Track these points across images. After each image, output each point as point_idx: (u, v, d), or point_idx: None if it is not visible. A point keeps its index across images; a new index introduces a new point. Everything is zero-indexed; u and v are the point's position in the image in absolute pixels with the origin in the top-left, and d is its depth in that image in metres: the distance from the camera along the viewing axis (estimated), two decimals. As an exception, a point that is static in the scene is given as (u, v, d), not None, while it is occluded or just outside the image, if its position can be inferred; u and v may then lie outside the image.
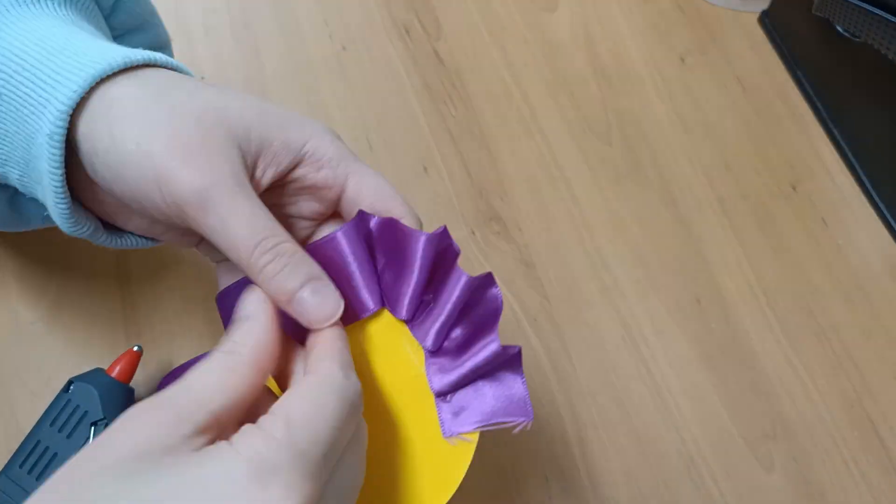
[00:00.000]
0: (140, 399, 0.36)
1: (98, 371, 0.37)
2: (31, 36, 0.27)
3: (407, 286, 0.28)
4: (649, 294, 0.43)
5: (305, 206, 0.31)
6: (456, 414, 0.28)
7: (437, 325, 0.27)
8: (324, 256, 0.28)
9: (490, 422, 0.27)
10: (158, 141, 0.25)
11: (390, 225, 0.28)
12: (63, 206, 0.28)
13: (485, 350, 0.27)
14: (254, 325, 0.26)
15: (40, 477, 0.34)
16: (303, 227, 0.31)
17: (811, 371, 0.41)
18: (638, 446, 0.39)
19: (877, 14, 0.40)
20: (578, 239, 0.45)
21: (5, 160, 0.28)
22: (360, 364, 0.28)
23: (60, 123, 0.26)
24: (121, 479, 0.21)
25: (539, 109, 0.49)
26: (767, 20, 0.52)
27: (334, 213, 0.31)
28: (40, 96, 0.26)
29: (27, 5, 0.28)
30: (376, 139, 0.48)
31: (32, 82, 0.26)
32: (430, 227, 0.44)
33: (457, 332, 0.28)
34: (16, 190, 0.31)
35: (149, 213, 0.27)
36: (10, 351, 0.42)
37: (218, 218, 0.26)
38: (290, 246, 0.26)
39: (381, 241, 0.29)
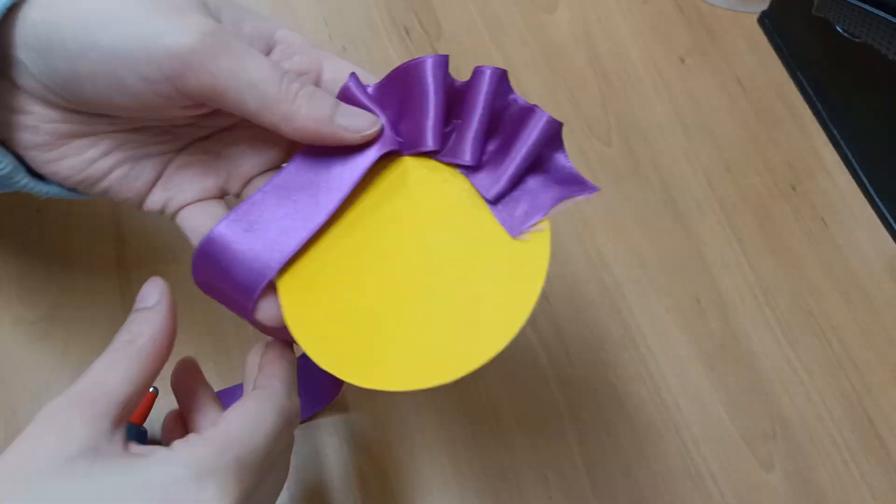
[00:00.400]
0: (153, 441, 0.37)
1: None
2: None
3: (426, 117, 0.26)
4: (649, 294, 0.43)
5: None
6: (517, 213, 0.26)
7: (469, 141, 0.26)
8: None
9: (555, 206, 0.26)
10: (141, 6, 0.23)
11: (402, 71, 0.27)
12: None
13: (526, 143, 0.26)
14: (154, 315, 0.27)
15: None
16: None
17: (811, 371, 0.41)
18: (638, 446, 0.39)
19: (877, 14, 0.40)
20: (578, 239, 0.45)
21: None
22: (403, 207, 0.27)
23: None
24: (57, 483, 0.22)
25: (539, 110, 0.49)
26: (767, 21, 0.52)
27: None
28: None
29: None
30: (376, 139, 0.48)
31: None
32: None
33: (492, 145, 0.27)
34: None
35: (121, 104, 0.25)
36: (10, 351, 0.42)
37: (234, 58, 0.24)
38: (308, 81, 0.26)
39: (396, 88, 0.28)
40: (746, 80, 0.50)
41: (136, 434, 0.36)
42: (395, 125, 0.27)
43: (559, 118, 0.50)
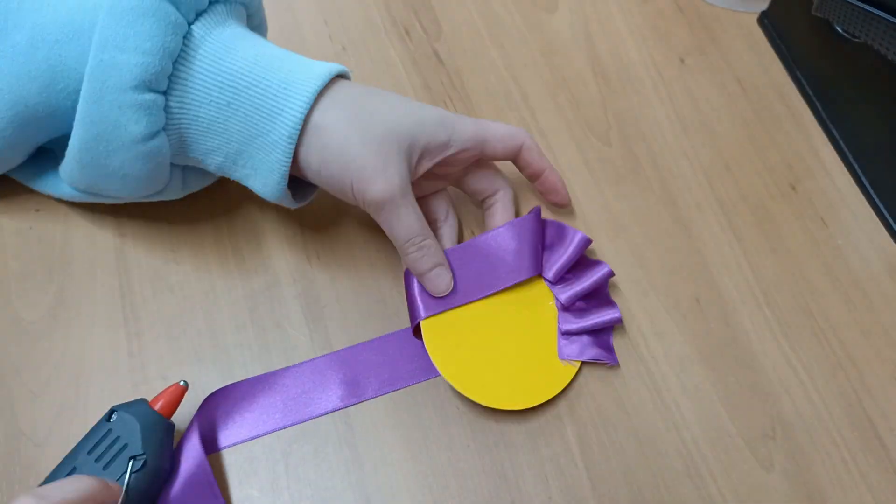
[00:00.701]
0: (179, 434, 0.38)
1: (141, 402, 0.37)
2: (253, 59, 0.37)
3: (558, 261, 0.42)
4: (649, 294, 0.43)
5: (455, 168, 0.42)
6: (569, 347, 0.41)
7: (571, 292, 0.41)
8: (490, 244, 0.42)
9: (588, 358, 0.41)
10: (356, 165, 0.37)
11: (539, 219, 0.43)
12: (283, 184, 0.38)
13: (601, 317, 0.41)
14: (74, 484, 0.31)
15: None
16: (447, 180, 0.43)
17: (810, 371, 0.41)
18: (637, 446, 0.39)
19: (877, 14, 0.40)
20: (578, 239, 0.45)
21: (212, 150, 0.38)
22: (512, 308, 0.41)
23: (296, 129, 0.36)
24: None
25: (539, 110, 0.49)
26: (767, 21, 0.52)
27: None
28: (272, 107, 0.36)
29: (224, 26, 0.37)
30: (376, 139, 0.48)
31: (265, 96, 0.36)
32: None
33: (581, 304, 0.42)
34: (185, 168, 0.41)
35: (345, 198, 0.39)
36: (10, 351, 0.42)
37: (387, 220, 0.38)
38: (430, 242, 0.39)
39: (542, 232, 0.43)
40: (746, 80, 0.50)
41: (165, 427, 0.36)
42: (546, 248, 0.43)
43: (559, 118, 0.50)
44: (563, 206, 0.45)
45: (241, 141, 0.37)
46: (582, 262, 0.42)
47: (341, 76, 0.39)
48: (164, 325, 0.42)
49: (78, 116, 0.36)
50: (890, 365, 0.41)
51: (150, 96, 0.35)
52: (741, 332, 0.42)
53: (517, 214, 0.44)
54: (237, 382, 0.41)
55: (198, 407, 0.39)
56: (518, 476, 0.39)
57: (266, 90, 0.36)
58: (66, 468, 0.35)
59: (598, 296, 0.42)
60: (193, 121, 0.37)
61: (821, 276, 0.44)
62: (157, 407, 0.36)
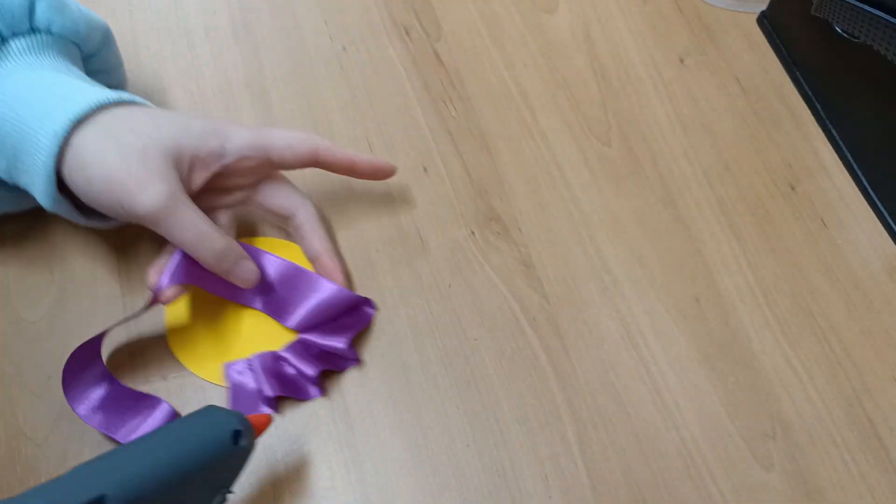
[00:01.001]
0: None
1: (248, 435, 0.32)
2: (47, 82, 0.37)
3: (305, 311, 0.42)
4: (649, 294, 0.43)
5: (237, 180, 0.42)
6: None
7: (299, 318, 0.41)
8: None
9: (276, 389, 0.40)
10: (117, 179, 0.36)
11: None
12: (51, 191, 0.37)
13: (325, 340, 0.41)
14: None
15: None
16: (236, 195, 0.43)
17: (810, 371, 0.41)
18: (637, 446, 0.39)
19: (876, 14, 0.40)
20: (578, 239, 0.45)
21: None
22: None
23: (55, 150, 0.36)
24: None
25: (539, 110, 0.49)
26: (766, 21, 0.52)
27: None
28: (37, 125, 0.36)
29: (32, 54, 0.38)
30: (376, 139, 0.48)
31: (33, 112, 0.36)
32: (432, 228, 0.44)
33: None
34: None
35: (119, 217, 0.38)
36: (10, 351, 0.42)
37: (168, 231, 0.38)
38: (225, 241, 0.39)
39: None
40: (745, 80, 0.50)
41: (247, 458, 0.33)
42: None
43: (559, 118, 0.50)
44: (392, 175, 0.44)
45: (12, 144, 0.37)
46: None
47: (130, 103, 0.39)
48: (164, 326, 0.42)
49: None
50: (890, 365, 0.41)
51: None
52: (741, 332, 0.42)
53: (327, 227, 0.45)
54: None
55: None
56: (518, 476, 0.39)
57: (47, 96, 0.37)
58: (171, 482, 0.29)
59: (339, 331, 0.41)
60: None
61: (821, 276, 0.44)
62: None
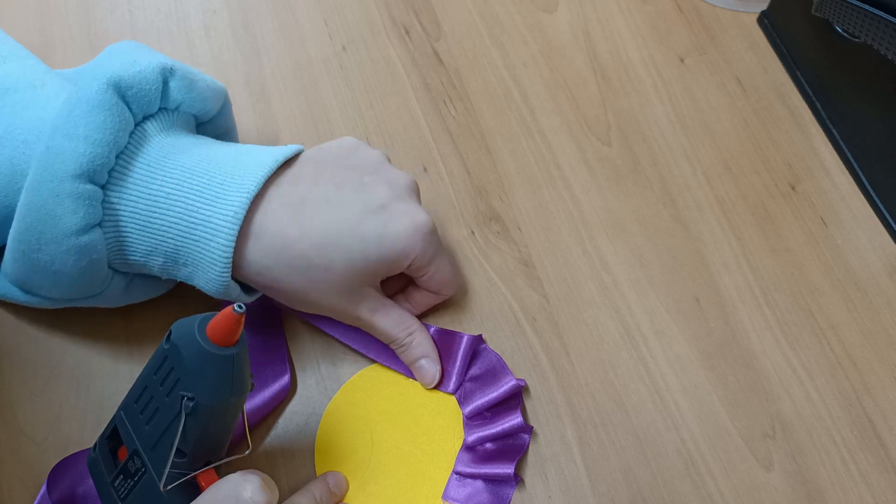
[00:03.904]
0: (240, 366, 0.31)
1: (195, 329, 0.31)
2: (197, 157, 0.36)
3: (480, 399, 0.40)
4: (648, 293, 0.43)
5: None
6: (457, 489, 0.38)
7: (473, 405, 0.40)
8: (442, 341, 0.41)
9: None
10: (313, 294, 0.37)
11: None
12: (225, 277, 0.36)
13: (490, 396, 0.40)
14: None
15: (150, 422, 0.32)
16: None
17: (810, 370, 0.41)
18: (637, 445, 0.39)
19: (876, 14, 0.40)
20: (578, 239, 0.45)
21: (151, 251, 0.36)
22: (414, 418, 0.40)
23: (242, 210, 0.35)
24: None
25: (538, 109, 0.49)
26: (767, 21, 0.52)
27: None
28: (216, 192, 0.35)
29: (165, 134, 0.37)
30: (376, 139, 0.48)
31: (208, 184, 0.35)
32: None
33: (487, 413, 0.40)
34: (133, 276, 0.39)
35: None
36: (11, 351, 0.42)
37: (372, 330, 0.40)
38: (412, 337, 0.40)
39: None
40: (746, 79, 0.50)
41: (219, 362, 0.31)
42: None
43: (559, 118, 0.50)
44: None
45: (179, 235, 0.35)
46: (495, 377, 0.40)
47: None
48: (164, 325, 0.42)
49: (18, 206, 0.34)
50: (890, 365, 0.41)
51: (89, 187, 0.34)
52: (741, 332, 0.42)
53: None
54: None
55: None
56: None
57: (210, 179, 0.35)
58: (139, 387, 0.33)
59: (507, 414, 0.39)
60: (130, 217, 0.35)
61: (821, 276, 0.44)
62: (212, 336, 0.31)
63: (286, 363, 0.41)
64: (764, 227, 0.45)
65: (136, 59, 0.36)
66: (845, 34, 0.44)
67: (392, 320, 0.39)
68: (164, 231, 0.35)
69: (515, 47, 0.52)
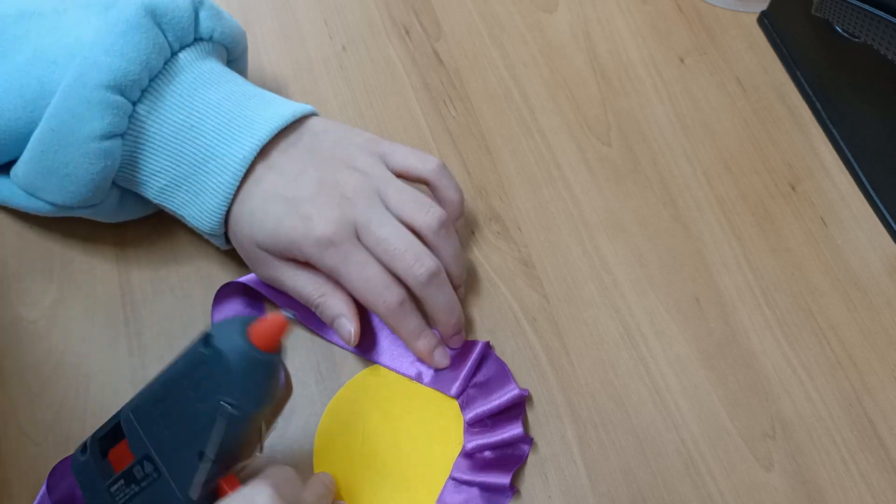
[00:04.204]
0: (275, 374, 0.30)
1: (239, 332, 0.29)
2: (226, 93, 0.39)
3: (482, 406, 0.40)
4: (648, 293, 0.43)
5: None
6: (453, 495, 0.38)
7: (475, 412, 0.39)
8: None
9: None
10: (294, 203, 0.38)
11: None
12: (220, 214, 0.39)
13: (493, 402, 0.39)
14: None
15: (172, 427, 0.31)
16: None
17: (810, 370, 0.41)
18: (637, 445, 0.39)
19: (877, 14, 0.40)
20: (578, 239, 0.45)
21: (159, 171, 0.39)
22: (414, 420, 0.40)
23: (252, 153, 0.38)
24: None
25: (538, 109, 0.49)
26: (767, 21, 0.52)
27: None
28: (233, 133, 0.38)
29: (199, 61, 0.39)
30: (376, 139, 0.48)
31: (221, 134, 0.38)
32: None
33: (488, 421, 0.39)
34: (122, 192, 0.41)
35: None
36: (11, 351, 0.42)
37: (280, 282, 0.40)
38: (330, 292, 0.39)
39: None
40: (746, 79, 0.50)
41: (265, 367, 0.30)
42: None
43: (559, 118, 0.50)
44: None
45: (192, 163, 0.38)
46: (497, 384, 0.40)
47: (311, 115, 0.41)
48: (164, 325, 0.42)
49: (48, 110, 0.37)
50: (890, 365, 0.41)
51: (120, 99, 0.36)
52: (741, 332, 0.42)
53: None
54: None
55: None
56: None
57: (232, 118, 0.38)
58: (159, 391, 0.31)
59: (509, 423, 0.39)
60: (153, 136, 0.38)
61: (821, 275, 0.44)
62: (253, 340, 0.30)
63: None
64: (764, 227, 0.45)
65: None
66: (845, 34, 0.44)
67: (305, 280, 0.39)
68: (180, 156, 0.38)
69: (515, 47, 0.52)
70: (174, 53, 0.39)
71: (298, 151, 0.40)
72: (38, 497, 0.37)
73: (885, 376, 0.41)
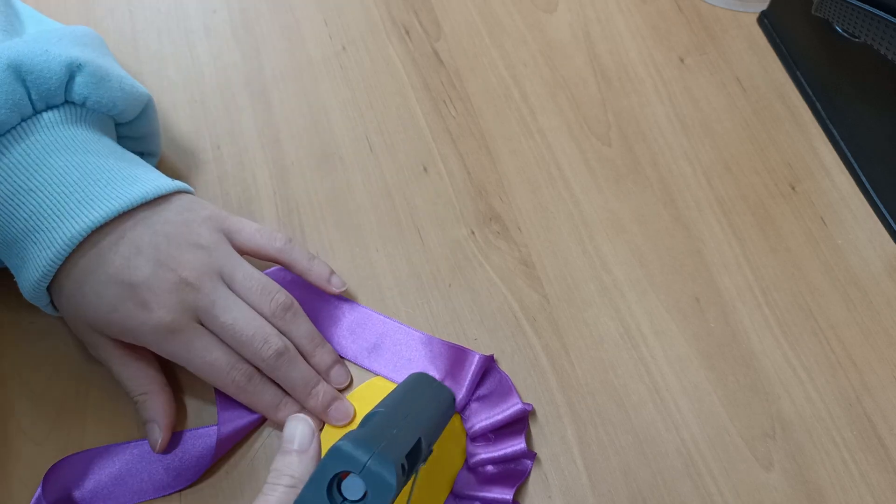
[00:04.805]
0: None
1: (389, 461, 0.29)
2: (76, 164, 0.37)
3: (486, 420, 0.39)
4: (648, 293, 0.43)
5: None
6: (457, 502, 0.38)
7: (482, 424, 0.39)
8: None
9: None
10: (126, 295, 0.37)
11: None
12: (39, 290, 0.37)
13: (498, 416, 0.39)
14: (308, 461, 0.34)
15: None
16: None
17: (810, 370, 0.41)
18: (637, 445, 0.39)
19: (877, 14, 0.40)
20: (578, 239, 0.45)
21: None
22: None
23: (70, 246, 0.36)
24: None
25: (538, 109, 0.49)
26: (767, 21, 0.52)
27: None
28: (68, 209, 0.36)
29: (64, 126, 0.38)
30: (376, 139, 0.48)
31: (53, 208, 0.36)
32: (432, 227, 0.44)
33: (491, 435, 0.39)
34: None
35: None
36: (11, 351, 0.42)
37: (108, 366, 0.39)
38: (151, 392, 0.39)
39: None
40: (746, 79, 0.50)
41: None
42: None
43: (559, 118, 0.50)
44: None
45: (23, 229, 0.36)
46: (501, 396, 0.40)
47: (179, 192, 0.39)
48: (164, 325, 0.42)
49: None
50: (890, 365, 0.41)
51: None
52: (741, 332, 0.42)
53: None
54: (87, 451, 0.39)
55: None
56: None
57: (70, 193, 0.36)
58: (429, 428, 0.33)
59: (511, 437, 0.39)
60: None
61: (821, 275, 0.44)
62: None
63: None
64: (764, 227, 0.45)
65: (47, 49, 0.37)
66: (845, 34, 0.44)
67: (130, 373, 0.38)
68: (12, 219, 0.36)
69: (515, 47, 0.52)
70: (37, 112, 0.37)
71: (140, 231, 0.37)
72: (34, 498, 0.37)
73: (885, 376, 0.41)
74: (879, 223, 0.45)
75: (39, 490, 0.37)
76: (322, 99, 0.50)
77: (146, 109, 0.43)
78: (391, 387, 0.40)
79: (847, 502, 0.38)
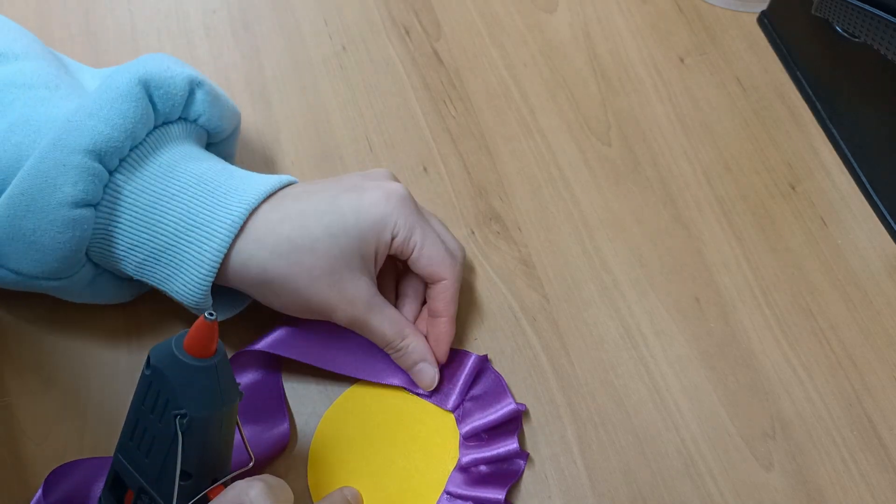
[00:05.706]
0: (224, 374, 0.32)
1: (172, 349, 0.31)
2: (206, 167, 0.38)
3: (479, 420, 0.39)
4: (648, 293, 0.43)
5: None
6: (450, 502, 0.38)
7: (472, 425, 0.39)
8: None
9: None
10: (302, 280, 0.36)
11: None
12: (206, 286, 0.36)
13: (490, 417, 0.39)
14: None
15: (149, 453, 0.32)
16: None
17: (810, 370, 0.41)
18: (637, 445, 0.39)
19: (877, 14, 0.40)
20: (578, 239, 0.45)
21: (136, 245, 0.36)
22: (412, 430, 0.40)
23: (233, 230, 0.36)
24: None
25: (538, 109, 0.49)
26: (767, 20, 0.52)
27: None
28: (217, 201, 0.36)
29: (187, 138, 0.39)
30: (376, 139, 0.48)
31: (204, 203, 0.36)
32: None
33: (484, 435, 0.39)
34: (102, 271, 0.39)
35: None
36: (11, 351, 0.42)
37: (367, 330, 0.38)
38: (407, 342, 0.39)
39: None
40: (746, 79, 0.50)
41: (203, 373, 0.31)
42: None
43: (559, 118, 0.50)
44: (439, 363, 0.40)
45: (173, 233, 0.36)
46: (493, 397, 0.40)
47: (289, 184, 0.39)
48: (164, 326, 0.42)
49: (20, 172, 0.35)
50: (890, 365, 0.41)
51: (97, 166, 0.35)
52: (741, 332, 0.42)
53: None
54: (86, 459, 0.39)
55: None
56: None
57: (216, 187, 0.37)
58: (131, 422, 0.33)
59: (504, 437, 0.39)
60: (129, 206, 0.36)
61: (821, 275, 0.44)
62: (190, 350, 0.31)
63: (285, 413, 0.40)
64: (764, 226, 0.45)
65: (168, 66, 0.38)
66: (845, 34, 0.44)
67: (387, 320, 0.38)
68: (159, 227, 0.36)
69: (515, 47, 0.52)
70: (158, 126, 0.38)
71: (289, 201, 0.38)
72: (34, 499, 0.37)
73: (885, 376, 0.41)
74: (879, 223, 0.45)
75: (40, 491, 0.37)
76: (322, 99, 0.50)
77: (235, 132, 0.43)
78: (385, 388, 0.40)
79: (847, 502, 0.38)
